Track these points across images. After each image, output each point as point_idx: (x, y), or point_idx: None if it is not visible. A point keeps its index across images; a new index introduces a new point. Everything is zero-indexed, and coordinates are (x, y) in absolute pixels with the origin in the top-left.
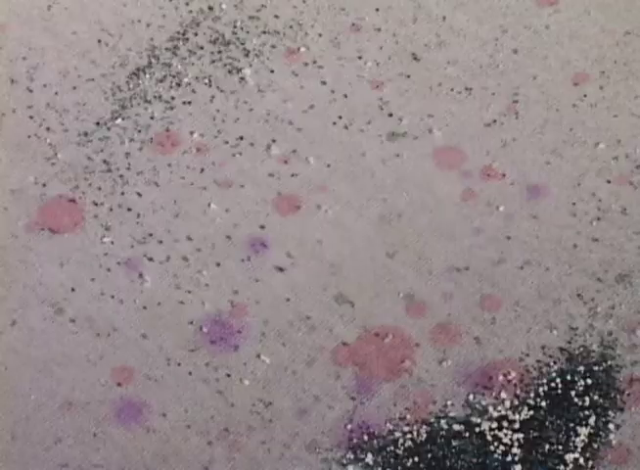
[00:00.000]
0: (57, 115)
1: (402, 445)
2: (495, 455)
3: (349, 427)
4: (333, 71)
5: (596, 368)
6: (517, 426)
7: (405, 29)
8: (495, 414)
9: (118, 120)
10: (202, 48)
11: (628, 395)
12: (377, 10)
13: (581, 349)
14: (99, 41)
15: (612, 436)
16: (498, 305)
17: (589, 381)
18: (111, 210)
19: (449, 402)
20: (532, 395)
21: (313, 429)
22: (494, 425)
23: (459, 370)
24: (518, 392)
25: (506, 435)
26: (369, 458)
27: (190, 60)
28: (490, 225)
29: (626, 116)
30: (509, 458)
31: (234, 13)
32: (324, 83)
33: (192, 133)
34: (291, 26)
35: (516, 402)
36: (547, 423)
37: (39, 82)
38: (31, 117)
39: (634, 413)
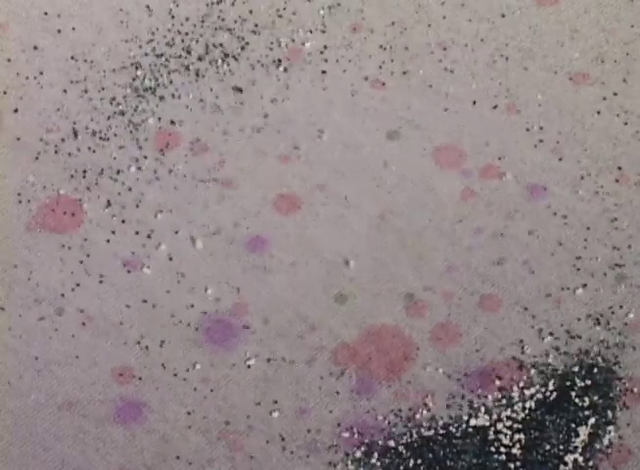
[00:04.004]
0: (57, 114)
1: (403, 445)
2: (496, 456)
3: (349, 427)
4: (333, 71)
5: (596, 369)
6: (517, 426)
7: (405, 29)
8: (495, 414)
9: (118, 120)
10: (201, 48)
11: (628, 395)
12: (377, 10)
13: (581, 349)
14: (99, 41)
15: (612, 436)
16: (498, 305)
17: (589, 381)
18: (110, 209)
19: (449, 403)
20: (532, 395)
21: (313, 429)
22: (494, 425)
23: (459, 370)
24: (518, 392)
25: (506, 435)
26: (369, 458)
27: (189, 59)
28: (490, 225)
29: (626, 115)
30: (509, 459)
31: (234, 12)
32: (324, 83)
33: (192, 133)
34: (291, 26)
35: (516, 402)
36: (547, 423)
37: (39, 82)
38: (32, 117)
39: (634, 413)
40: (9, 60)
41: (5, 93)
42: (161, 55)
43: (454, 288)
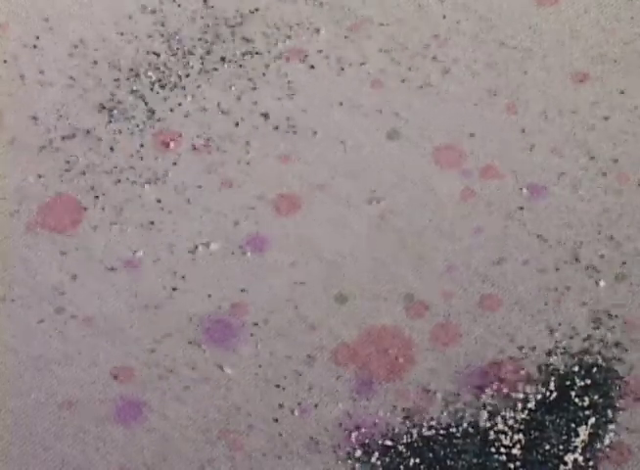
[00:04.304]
0: (57, 114)
1: (403, 444)
2: (496, 456)
3: (349, 427)
4: (332, 71)
5: (595, 368)
6: (517, 426)
7: (405, 29)
8: (495, 415)
9: (119, 121)
10: (202, 47)
11: (628, 394)
12: (377, 10)
13: (581, 349)
14: (99, 40)
15: (612, 436)
16: (498, 305)
17: (589, 381)
18: (110, 209)
19: (449, 403)
20: (532, 395)
21: (313, 429)
22: (495, 425)
23: (459, 370)
24: (518, 392)
25: (506, 435)
26: (369, 457)
27: (189, 58)
28: (490, 225)
29: (626, 115)
30: (510, 459)
31: (235, 11)
32: (324, 82)
33: (192, 133)
34: (291, 26)
35: (516, 402)
36: (547, 423)
37: (39, 82)
38: (32, 117)
39: (634, 413)
40: (8, 60)
41: (5, 92)
42: (162, 55)
43: (454, 288)
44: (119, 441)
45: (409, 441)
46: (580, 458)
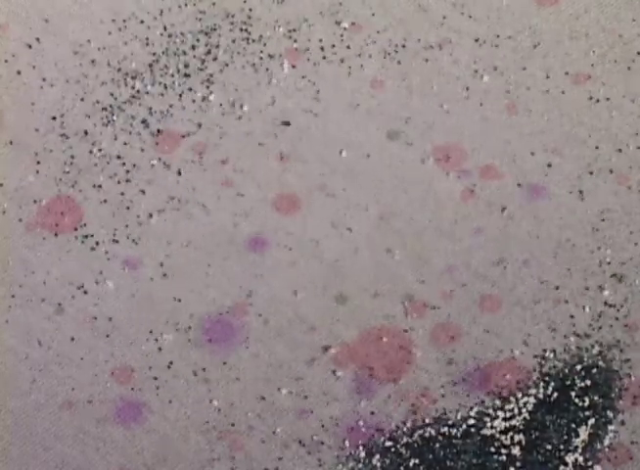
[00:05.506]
0: (57, 114)
1: (403, 445)
2: (496, 456)
3: (349, 427)
4: (333, 71)
5: (595, 369)
6: (517, 426)
7: (405, 29)
8: (495, 415)
9: (119, 121)
10: (202, 48)
11: (628, 395)
12: (377, 10)
13: (581, 349)
14: (99, 41)
15: (611, 436)
16: (498, 305)
17: (588, 382)
18: (110, 209)
19: (449, 403)
20: (532, 395)
21: (313, 429)
22: (495, 426)
23: (459, 370)
24: (518, 392)
25: (506, 435)
26: (369, 458)
27: (189, 59)
28: (490, 225)
29: (626, 115)
30: (509, 459)
31: (234, 12)
32: (324, 83)
33: (192, 133)
34: (291, 26)
35: (516, 403)
36: (547, 423)
37: (39, 82)
38: (32, 117)
39: (634, 413)
40: (9, 60)
41: (5, 92)
42: (161, 55)
43: (454, 288)
44: (119, 441)
45: (409, 441)
46: (580, 458)
